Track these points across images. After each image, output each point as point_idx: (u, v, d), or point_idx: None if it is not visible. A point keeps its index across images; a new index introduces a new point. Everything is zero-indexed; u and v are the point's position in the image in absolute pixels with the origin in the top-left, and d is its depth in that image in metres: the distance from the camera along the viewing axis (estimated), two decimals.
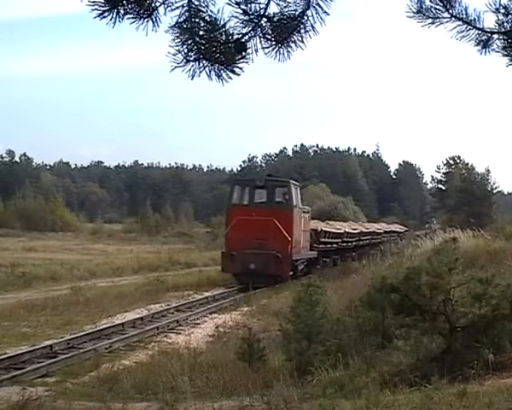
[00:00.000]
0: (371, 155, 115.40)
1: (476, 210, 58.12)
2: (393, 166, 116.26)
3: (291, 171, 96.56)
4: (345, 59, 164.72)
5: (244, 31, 2.79)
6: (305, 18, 2.80)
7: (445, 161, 74.97)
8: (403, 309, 9.45)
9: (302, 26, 2.81)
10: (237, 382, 9.53)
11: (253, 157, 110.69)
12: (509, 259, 17.72)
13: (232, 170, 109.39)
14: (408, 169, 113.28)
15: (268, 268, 24.47)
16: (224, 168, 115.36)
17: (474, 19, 2.98)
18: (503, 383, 8.03)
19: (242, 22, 2.78)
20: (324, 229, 32.89)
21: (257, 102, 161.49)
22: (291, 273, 25.96)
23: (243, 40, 2.78)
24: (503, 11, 2.94)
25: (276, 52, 2.85)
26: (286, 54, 2.86)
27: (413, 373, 8.51)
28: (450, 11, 2.95)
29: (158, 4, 2.72)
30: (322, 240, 31.93)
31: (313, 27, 2.81)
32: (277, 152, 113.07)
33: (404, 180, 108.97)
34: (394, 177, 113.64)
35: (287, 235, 25.22)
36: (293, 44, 2.84)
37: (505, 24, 2.97)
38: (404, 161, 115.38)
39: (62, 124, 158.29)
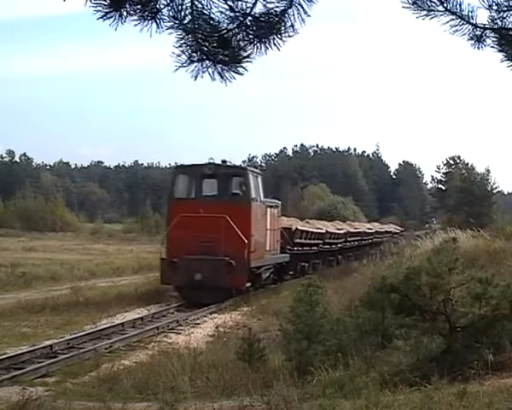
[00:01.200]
0: (371, 155, 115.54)
1: (476, 210, 58.14)
2: (393, 166, 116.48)
3: (291, 171, 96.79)
4: (345, 59, 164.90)
5: (229, 27, 2.80)
6: (286, 16, 2.81)
7: (445, 161, 75.12)
8: (403, 309, 9.46)
9: (283, 25, 2.82)
10: (237, 382, 9.53)
11: (253, 157, 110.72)
12: (509, 259, 17.73)
13: None
14: (408, 169, 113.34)
15: (218, 279, 19.68)
16: None
17: (468, 14, 3.00)
18: (503, 383, 8.03)
19: (228, 18, 2.79)
20: (300, 228, 28.70)
21: (257, 102, 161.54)
22: (248, 285, 21.11)
23: (226, 36, 2.80)
24: (495, 8, 2.97)
25: (254, 46, 2.86)
26: (263, 49, 2.88)
27: (413, 373, 8.51)
28: (445, 4, 2.98)
29: (162, 6, 2.73)
30: (298, 241, 27.66)
31: (293, 26, 2.83)
32: (277, 152, 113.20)
33: (404, 180, 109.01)
34: (394, 177, 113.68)
35: (242, 236, 20.27)
36: (272, 42, 2.86)
37: (498, 21, 3.00)
38: (404, 161, 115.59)
39: (62, 124, 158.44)
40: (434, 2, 2.96)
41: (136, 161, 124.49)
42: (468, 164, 72.36)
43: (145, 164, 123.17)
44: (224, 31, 2.80)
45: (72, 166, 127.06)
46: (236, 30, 2.80)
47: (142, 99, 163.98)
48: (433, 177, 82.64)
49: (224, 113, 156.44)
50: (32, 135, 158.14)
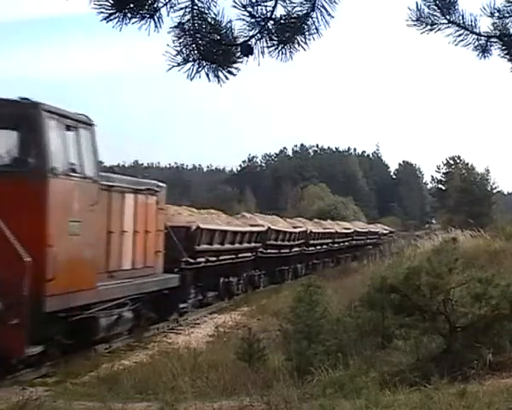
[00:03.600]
0: (371, 155, 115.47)
1: (476, 210, 58.15)
2: (393, 166, 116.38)
3: (291, 171, 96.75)
4: (345, 59, 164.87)
5: (251, 33, 2.80)
6: (310, 20, 2.81)
7: (445, 161, 75.02)
8: (403, 309, 9.47)
9: (306, 28, 2.82)
10: (237, 382, 9.53)
11: (253, 157, 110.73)
12: (509, 259, 17.75)
13: (232, 170, 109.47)
14: (408, 169, 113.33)
15: None
16: (223, 168, 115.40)
17: (471, 23, 3.02)
18: (503, 383, 8.04)
19: (249, 25, 2.79)
20: (206, 227, 17.97)
21: (257, 102, 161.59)
22: (37, 349, 10.44)
23: (250, 43, 2.80)
24: (497, 15, 2.98)
25: (278, 52, 2.87)
26: (289, 54, 2.88)
27: (413, 373, 8.51)
28: (448, 17, 2.99)
29: (161, 5, 2.73)
30: (205, 247, 17.80)
31: (317, 29, 2.83)
32: (277, 152, 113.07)
33: (404, 180, 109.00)
34: (394, 177, 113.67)
35: (19, 249, 9.86)
36: (296, 45, 2.86)
37: (500, 27, 3.01)
38: (404, 161, 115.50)
39: None
40: (437, 16, 2.98)
41: (136, 160, 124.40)
42: (468, 164, 72.34)
43: (145, 164, 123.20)
44: (247, 38, 2.80)
45: None
46: (259, 36, 2.80)
47: (141, 99, 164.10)
48: (433, 177, 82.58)
49: (224, 112, 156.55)
50: None
